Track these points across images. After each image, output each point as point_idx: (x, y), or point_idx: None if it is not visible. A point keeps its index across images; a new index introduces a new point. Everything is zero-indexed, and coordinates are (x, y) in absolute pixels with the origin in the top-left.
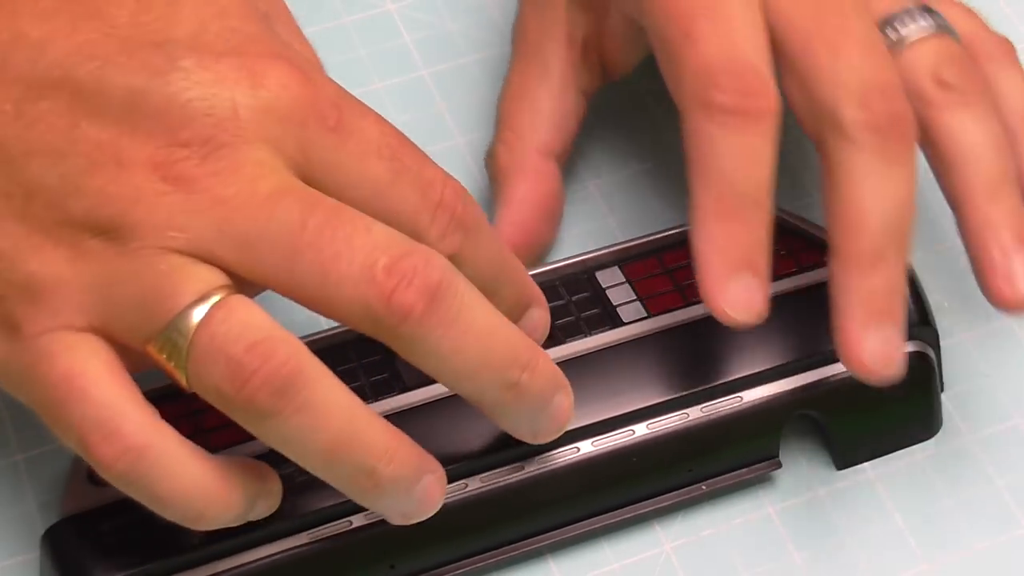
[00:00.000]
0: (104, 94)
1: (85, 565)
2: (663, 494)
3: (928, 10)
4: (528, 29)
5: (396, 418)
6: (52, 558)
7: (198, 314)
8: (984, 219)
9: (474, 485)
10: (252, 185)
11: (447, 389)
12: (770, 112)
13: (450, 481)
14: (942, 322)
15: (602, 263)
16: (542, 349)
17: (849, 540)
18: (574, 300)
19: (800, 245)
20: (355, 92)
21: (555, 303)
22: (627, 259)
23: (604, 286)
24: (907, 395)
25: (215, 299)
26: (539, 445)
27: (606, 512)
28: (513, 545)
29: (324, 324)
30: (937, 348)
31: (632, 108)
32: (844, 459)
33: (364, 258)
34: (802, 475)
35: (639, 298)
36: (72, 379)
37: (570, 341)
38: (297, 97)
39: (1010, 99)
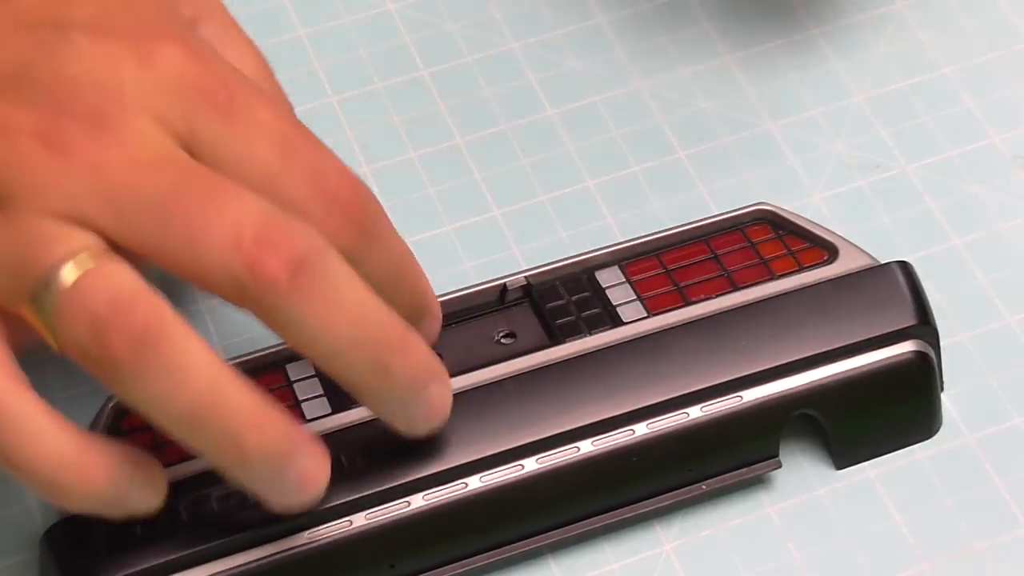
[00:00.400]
0: None
1: (85, 565)
2: (663, 494)
3: None
4: None
5: None
6: (52, 558)
7: (67, 273)
8: None
9: (474, 485)
10: (132, 153)
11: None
12: None
13: (450, 480)
14: (942, 322)
15: (602, 263)
16: (418, 336)
17: (849, 540)
18: (574, 300)
19: (800, 245)
20: (355, 92)
21: (555, 303)
22: (627, 259)
23: (604, 286)
24: (907, 395)
25: (85, 259)
26: (539, 444)
27: (606, 512)
28: (513, 545)
29: None
30: (937, 348)
31: (632, 109)
32: (844, 459)
33: (233, 226)
34: (802, 475)
35: (639, 298)
36: None
37: (570, 341)
38: (185, 73)
39: None
